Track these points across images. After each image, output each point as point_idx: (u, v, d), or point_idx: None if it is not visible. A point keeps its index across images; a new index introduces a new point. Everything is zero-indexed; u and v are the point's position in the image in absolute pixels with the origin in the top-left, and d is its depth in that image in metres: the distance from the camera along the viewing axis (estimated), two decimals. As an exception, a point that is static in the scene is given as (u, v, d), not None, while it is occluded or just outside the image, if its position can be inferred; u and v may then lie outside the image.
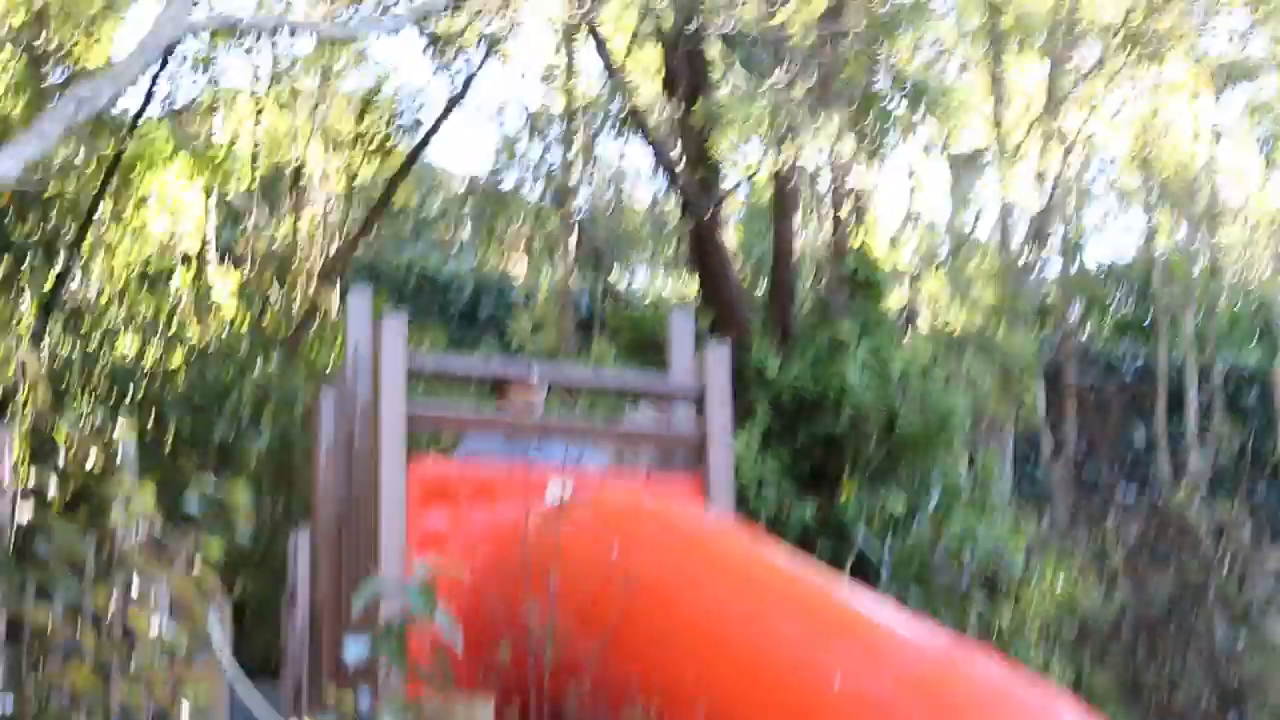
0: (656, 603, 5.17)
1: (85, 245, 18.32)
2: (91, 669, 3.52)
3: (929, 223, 24.53)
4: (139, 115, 19.64)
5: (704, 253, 17.01)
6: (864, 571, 9.57)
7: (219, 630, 3.63)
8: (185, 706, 3.40)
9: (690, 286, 19.06)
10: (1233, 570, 8.09)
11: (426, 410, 6.95)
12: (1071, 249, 26.64)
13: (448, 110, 21.38)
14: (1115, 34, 21.28)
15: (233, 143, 23.72)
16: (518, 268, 30.43)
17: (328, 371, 17.05)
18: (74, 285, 18.06)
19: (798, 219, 16.95)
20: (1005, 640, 8.19)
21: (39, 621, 3.67)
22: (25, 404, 13.36)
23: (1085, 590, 8.99)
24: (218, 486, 3.78)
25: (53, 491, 4.76)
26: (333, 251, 22.78)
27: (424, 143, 22.20)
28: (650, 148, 17.89)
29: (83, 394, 15.18)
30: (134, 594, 3.74)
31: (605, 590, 5.27)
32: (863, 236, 16.45)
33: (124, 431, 3.80)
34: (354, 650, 3.39)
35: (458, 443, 7.84)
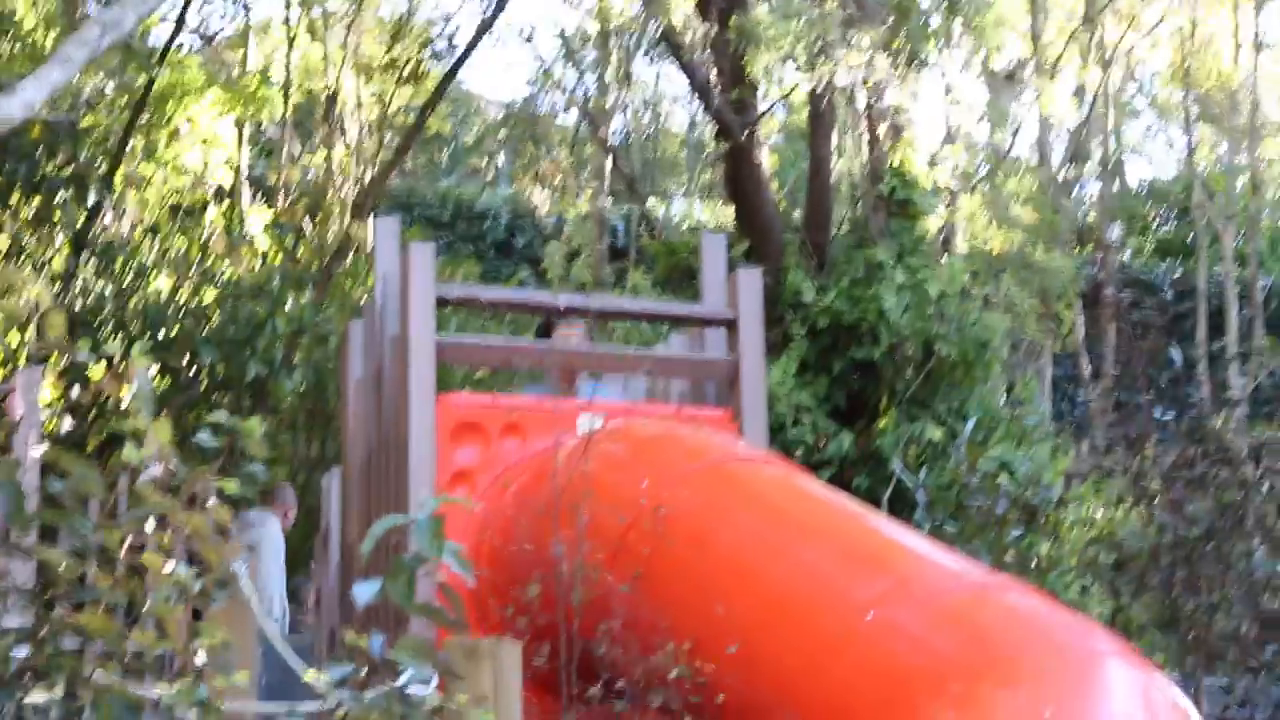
0: (687, 537, 5.09)
1: (117, 180, 18.21)
2: (105, 611, 3.45)
3: (967, 141, 24.31)
4: (169, 45, 19.49)
5: (739, 177, 16.85)
6: (902, 502, 9.47)
7: (244, 571, 3.54)
8: (201, 651, 3.32)
9: (726, 214, 18.91)
10: (1272, 494, 7.96)
11: (456, 340, 6.85)
12: (1111, 166, 26.39)
13: (480, 34, 21.08)
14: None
15: (265, 72, 23.62)
16: (552, 197, 30.30)
17: (361, 306, 16.95)
18: (106, 221, 17.95)
19: (834, 140, 16.78)
20: (1043, 569, 8.10)
21: (53, 563, 3.59)
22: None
23: (1123, 517, 8.88)
24: (234, 421, 3.65)
25: (66, 429, 4.70)
26: (366, 182, 22.70)
27: (456, 68, 21.95)
28: (685, 70, 17.71)
29: (115, 333, 15.07)
30: (148, 532, 3.64)
31: (636, 525, 5.19)
32: (900, 156, 16.26)
33: (139, 365, 3.69)
34: (363, 592, 3.30)
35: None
